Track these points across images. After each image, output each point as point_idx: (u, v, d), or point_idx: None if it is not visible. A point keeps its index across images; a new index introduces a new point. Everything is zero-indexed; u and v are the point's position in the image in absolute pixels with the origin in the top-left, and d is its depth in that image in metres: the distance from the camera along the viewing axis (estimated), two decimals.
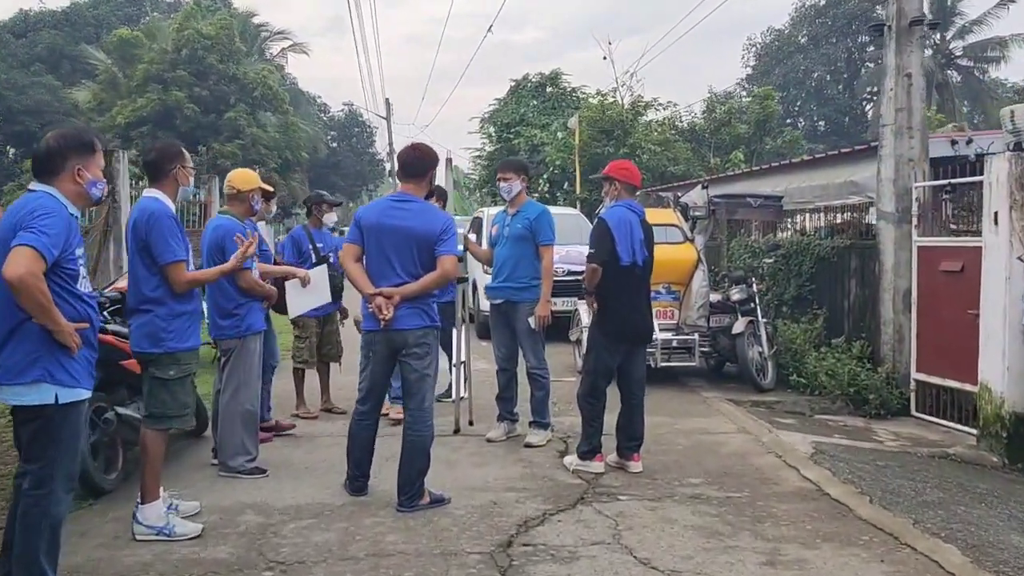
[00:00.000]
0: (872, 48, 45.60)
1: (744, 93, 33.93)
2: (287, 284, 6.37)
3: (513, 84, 25.47)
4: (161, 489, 4.44)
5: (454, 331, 6.65)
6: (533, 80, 25.25)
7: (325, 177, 50.06)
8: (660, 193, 9.87)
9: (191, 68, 32.83)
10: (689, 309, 8.77)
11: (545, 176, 21.51)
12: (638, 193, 10.93)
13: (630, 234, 5.49)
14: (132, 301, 4.39)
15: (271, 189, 6.21)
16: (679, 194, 9.88)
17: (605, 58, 24.05)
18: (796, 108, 46.10)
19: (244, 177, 5.68)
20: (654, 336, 8.59)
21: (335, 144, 54.45)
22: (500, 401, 6.55)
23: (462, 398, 6.70)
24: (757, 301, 8.94)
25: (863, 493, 5.13)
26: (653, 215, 9.52)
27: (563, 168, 20.76)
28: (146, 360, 4.37)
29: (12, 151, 39.69)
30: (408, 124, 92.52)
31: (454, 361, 6.73)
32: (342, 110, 56.76)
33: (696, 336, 8.75)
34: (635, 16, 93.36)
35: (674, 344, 8.77)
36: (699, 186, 9.65)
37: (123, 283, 5.99)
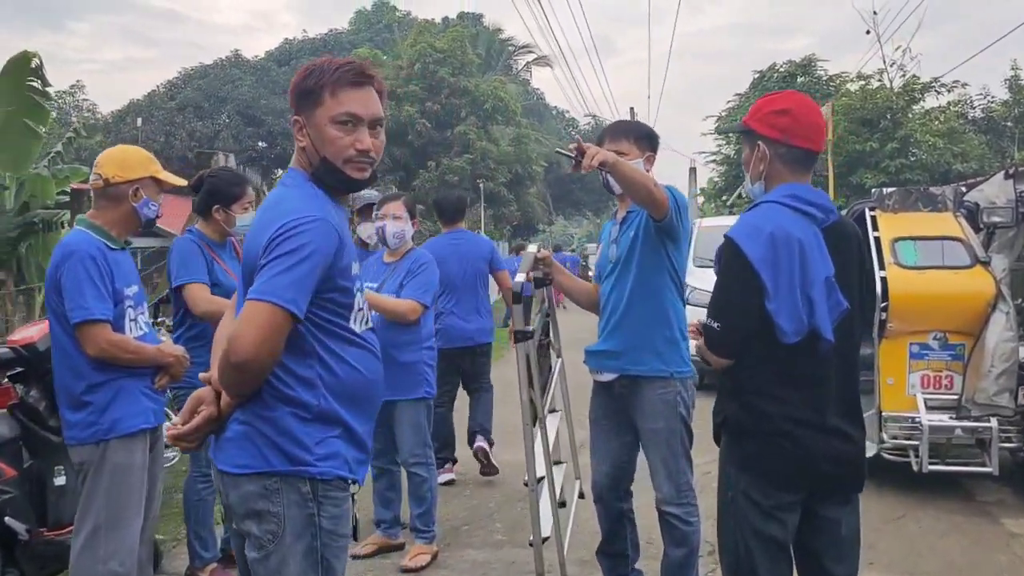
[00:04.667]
0: None
1: None
2: None
3: (756, 76, 21.82)
4: None
5: (548, 416, 3.78)
6: (781, 70, 21.45)
7: (569, 193, 49.63)
8: (931, 189, 6.39)
9: (423, 83, 32.55)
10: (981, 376, 5.31)
11: None
12: (891, 192, 6.49)
13: (799, 269, 2.37)
14: None
15: (181, 183, 3.57)
16: (963, 189, 6.32)
17: (868, 32, 19.72)
18: None
19: (121, 159, 3.18)
20: (920, 421, 5.31)
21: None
22: (604, 558, 3.67)
23: (545, 539, 3.84)
24: None
25: None
26: (921, 223, 6.05)
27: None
28: None
29: (279, 172, 42.65)
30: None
31: (525, 478, 3.90)
32: (587, 123, 55.32)
33: (994, 422, 5.26)
34: (920, 11, 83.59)
35: (956, 433, 5.36)
36: (1000, 175, 6.08)
37: (24, 332, 3.90)
